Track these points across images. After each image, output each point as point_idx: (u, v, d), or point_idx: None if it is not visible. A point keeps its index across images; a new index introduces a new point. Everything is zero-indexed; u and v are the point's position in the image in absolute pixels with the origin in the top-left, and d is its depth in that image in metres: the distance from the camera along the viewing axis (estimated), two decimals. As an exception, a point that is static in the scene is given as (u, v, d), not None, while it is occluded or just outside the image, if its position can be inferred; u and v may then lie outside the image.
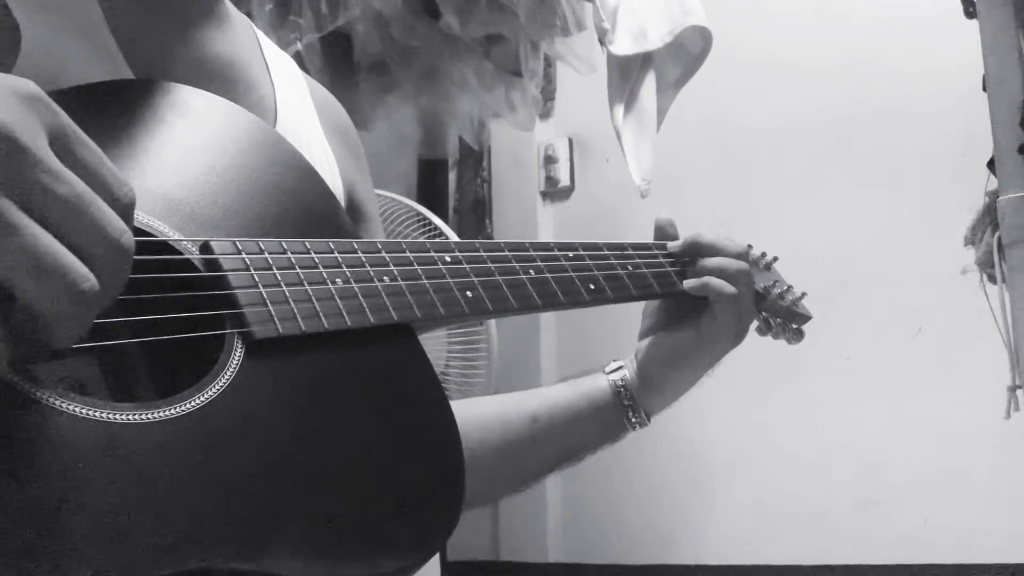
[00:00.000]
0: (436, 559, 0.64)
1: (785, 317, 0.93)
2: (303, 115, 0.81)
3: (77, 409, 0.45)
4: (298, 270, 0.59)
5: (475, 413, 0.85)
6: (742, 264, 0.87)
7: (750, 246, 0.95)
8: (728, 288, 0.84)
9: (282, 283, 0.57)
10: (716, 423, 2.28)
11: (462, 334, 2.01)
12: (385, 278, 0.63)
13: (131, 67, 0.67)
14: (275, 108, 0.78)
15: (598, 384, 0.87)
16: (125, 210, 0.45)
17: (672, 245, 0.88)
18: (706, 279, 0.84)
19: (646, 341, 0.88)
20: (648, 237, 0.90)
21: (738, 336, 0.86)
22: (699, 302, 0.85)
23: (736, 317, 0.84)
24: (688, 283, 0.85)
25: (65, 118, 0.44)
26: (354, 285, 0.61)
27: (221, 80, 0.73)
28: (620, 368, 0.88)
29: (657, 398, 0.87)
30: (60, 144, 0.43)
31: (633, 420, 0.86)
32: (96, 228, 0.43)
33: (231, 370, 0.52)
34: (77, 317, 0.42)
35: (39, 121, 0.42)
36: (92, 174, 0.44)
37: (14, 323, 0.42)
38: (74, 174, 0.43)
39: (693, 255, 0.88)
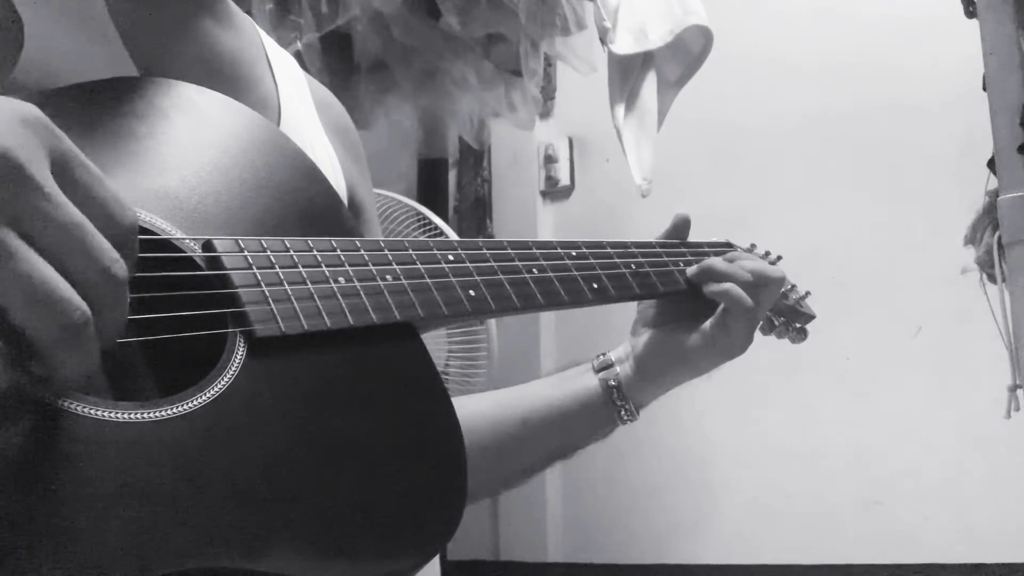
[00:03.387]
0: (436, 559, 0.64)
1: (788, 316, 0.93)
2: (305, 114, 0.81)
3: (79, 408, 0.45)
4: (301, 268, 0.58)
5: (464, 413, 0.85)
6: (779, 273, 0.86)
7: (753, 245, 0.94)
8: (747, 301, 0.82)
9: (284, 282, 0.57)
10: (716, 423, 2.28)
11: (462, 333, 2.01)
12: (388, 277, 0.63)
13: (135, 63, 0.67)
14: (278, 106, 0.78)
15: (589, 383, 0.86)
16: (127, 233, 0.46)
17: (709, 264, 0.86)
18: (728, 286, 0.83)
19: (648, 336, 0.87)
20: (648, 236, 0.90)
21: (745, 345, 0.85)
22: (709, 301, 0.84)
23: (749, 329, 0.84)
24: (711, 288, 0.83)
25: (67, 142, 0.44)
26: (357, 284, 0.60)
27: (225, 77, 0.73)
28: (611, 365, 0.87)
29: (649, 392, 0.86)
30: (61, 168, 0.43)
31: (624, 417, 0.86)
32: (89, 257, 0.43)
33: (233, 369, 0.52)
34: (72, 346, 0.42)
35: (42, 146, 0.42)
36: (92, 197, 0.44)
37: (16, 352, 0.42)
38: (72, 201, 0.43)
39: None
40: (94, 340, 0.43)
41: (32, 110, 0.43)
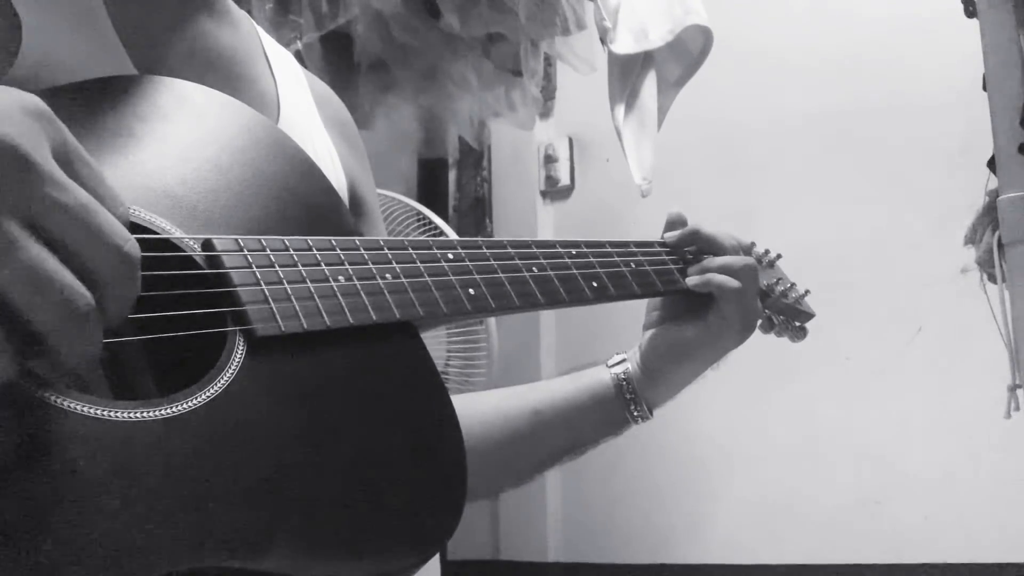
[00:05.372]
0: (436, 559, 0.64)
1: (788, 315, 0.93)
2: (304, 109, 0.81)
3: (79, 407, 0.45)
4: (300, 267, 0.58)
5: (476, 407, 0.85)
6: (747, 260, 0.86)
7: (753, 243, 0.94)
8: (732, 283, 0.83)
9: (284, 281, 0.57)
10: (716, 422, 2.28)
11: (462, 332, 2.01)
12: (387, 275, 0.63)
13: (133, 62, 0.67)
14: (277, 101, 0.78)
15: (600, 377, 0.87)
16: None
17: (669, 236, 0.88)
18: (708, 275, 0.84)
19: (649, 333, 0.87)
20: (648, 236, 0.90)
21: (743, 332, 0.85)
22: (706, 297, 0.84)
23: (741, 312, 0.84)
24: (691, 280, 0.84)
25: (68, 134, 0.44)
26: (356, 283, 0.60)
27: (223, 73, 0.73)
28: (623, 361, 0.87)
29: (659, 390, 0.86)
30: (62, 159, 0.44)
31: (635, 413, 0.86)
32: (100, 236, 0.43)
33: (233, 368, 0.52)
34: (78, 335, 0.42)
35: (44, 135, 0.43)
36: (91, 190, 0.45)
37: (20, 340, 0.42)
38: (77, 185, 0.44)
39: (692, 247, 0.87)
40: (98, 327, 0.43)
41: (35, 100, 0.44)
